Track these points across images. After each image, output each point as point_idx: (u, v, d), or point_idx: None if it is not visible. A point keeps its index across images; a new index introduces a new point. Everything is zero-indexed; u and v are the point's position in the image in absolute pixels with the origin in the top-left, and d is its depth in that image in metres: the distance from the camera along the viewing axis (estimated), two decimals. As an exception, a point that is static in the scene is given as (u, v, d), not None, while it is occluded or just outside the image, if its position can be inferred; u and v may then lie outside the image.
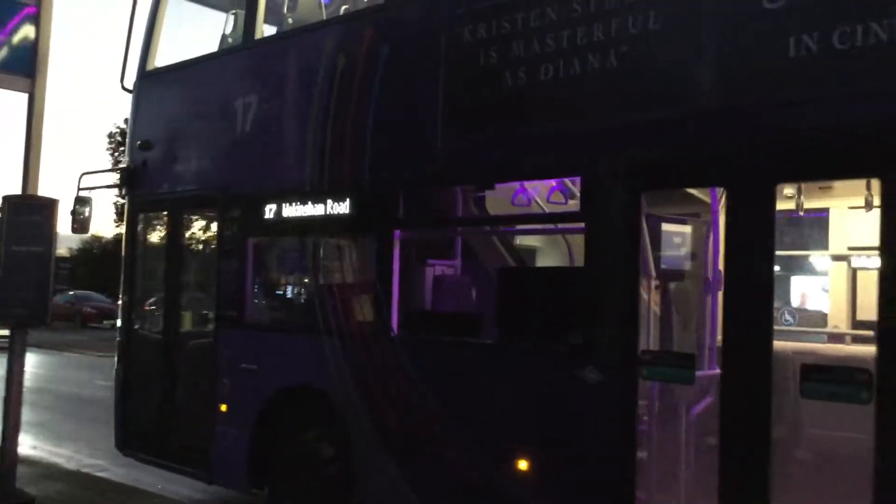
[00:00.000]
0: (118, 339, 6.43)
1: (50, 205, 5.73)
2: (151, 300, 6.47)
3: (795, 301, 6.33)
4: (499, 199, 4.91)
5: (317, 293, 5.13)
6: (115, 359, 6.45)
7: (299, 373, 5.02)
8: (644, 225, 3.81)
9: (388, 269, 4.53)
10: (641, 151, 3.62)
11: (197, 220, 7.35)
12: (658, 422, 3.86)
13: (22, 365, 5.71)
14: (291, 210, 5.14)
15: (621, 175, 3.63)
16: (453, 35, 4.31)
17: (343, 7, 5.55)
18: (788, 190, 4.45)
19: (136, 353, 6.26)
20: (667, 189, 3.90)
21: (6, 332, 5.82)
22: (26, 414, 6.30)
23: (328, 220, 4.91)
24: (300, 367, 5.02)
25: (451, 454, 4.19)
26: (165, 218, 6.27)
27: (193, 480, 5.80)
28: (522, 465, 3.91)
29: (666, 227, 4.52)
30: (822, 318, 5.27)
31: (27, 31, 5.75)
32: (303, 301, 5.54)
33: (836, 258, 5.00)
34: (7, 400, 5.61)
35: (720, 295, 3.53)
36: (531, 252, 5.63)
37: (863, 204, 4.16)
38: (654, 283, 4.17)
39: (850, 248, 4.79)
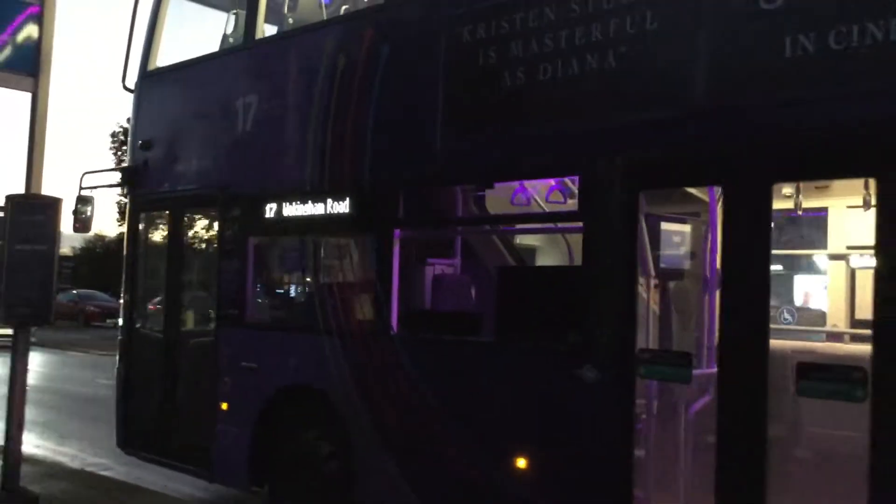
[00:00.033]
0: (119, 337, 6.46)
1: (54, 204, 5.74)
2: (157, 299, 6.49)
3: (794, 300, 6.33)
4: (498, 198, 4.92)
5: (317, 292, 5.15)
6: (117, 357, 6.48)
7: (299, 372, 5.04)
8: (643, 224, 3.83)
9: (387, 269, 4.54)
10: (639, 151, 3.63)
11: (198, 219, 7.38)
12: (657, 420, 3.87)
13: (25, 364, 5.71)
14: (292, 209, 5.16)
15: (619, 174, 3.64)
16: (453, 35, 4.32)
17: (343, 7, 5.57)
18: (787, 189, 4.47)
19: (137, 352, 6.28)
20: (664, 188, 3.91)
21: (9, 331, 5.84)
22: (30, 412, 6.31)
23: (328, 219, 4.93)
24: (300, 366, 5.04)
25: (451, 453, 4.20)
26: (166, 217, 6.30)
27: (196, 479, 5.81)
28: (521, 463, 3.92)
29: (665, 226, 4.54)
30: (820, 317, 5.28)
31: (30, 30, 5.76)
32: (303, 300, 5.56)
33: (835, 257, 5.00)
34: (11, 398, 5.61)
35: (718, 294, 3.54)
36: (531, 251, 5.65)
37: (861, 203, 4.17)
38: (653, 282, 4.19)
39: (849, 248, 4.79)
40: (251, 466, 5.19)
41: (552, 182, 4.88)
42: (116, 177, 6.53)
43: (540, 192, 5.02)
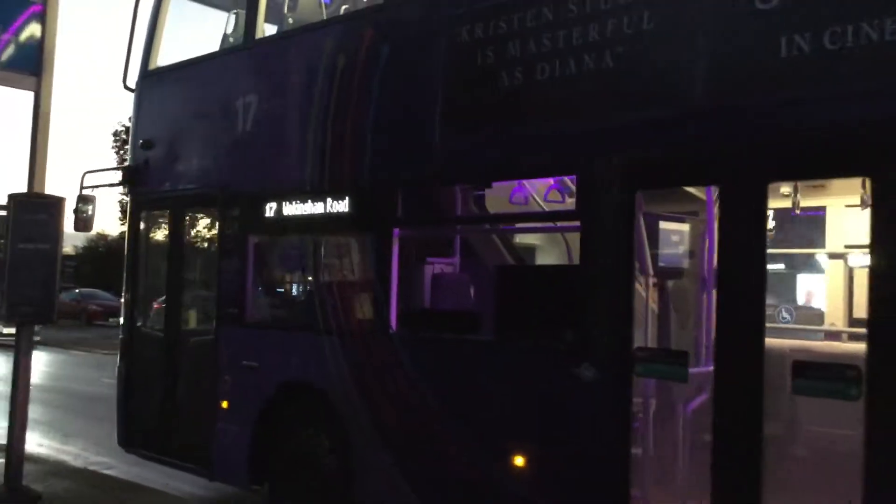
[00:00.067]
0: (121, 336, 6.48)
1: (57, 203, 5.76)
2: (161, 299, 6.51)
3: (792, 299, 6.35)
4: (497, 197, 4.94)
5: (316, 291, 5.16)
6: (118, 356, 6.50)
7: (299, 371, 5.06)
8: (641, 223, 3.84)
9: (386, 267, 4.56)
10: (636, 151, 3.64)
11: (198, 218, 7.40)
12: (655, 419, 3.88)
13: (29, 362, 5.73)
14: (292, 209, 5.18)
15: (616, 174, 3.65)
16: (452, 35, 4.33)
17: (343, 7, 5.59)
18: (785, 188, 4.48)
19: (138, 351, 6.30)
20: (661, 188, 3.92)
21: (12, 330, 5.86)
22: (33, 411, 6.33)
23: (328, 218, 4.95)
24: (300, 365, 5.06)
25: (449, 451, 4.22)
26: (167, 216, 6.32)
27: (198, 478, 5.81)
28: (519, 461, 3.94)
29: (664, 225, 4.55)
30: (818, 316, 5.29)
31: (33, 29, 5.77)
32: (303, 299, 5.58)
33: (833, 256, 5.01)
34: (14, 397, 5.63)
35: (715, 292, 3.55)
36: (530, 250, 5.66)
37: (859, 202, 4.18)
38: (651, 281, 4.20)
39: (847, 246, 4.80)
40: (251, 465, 5.21)
41: (551, 181, 4.90)
42: (117, 176, 6.55)
43: (539, 190, 5.03)
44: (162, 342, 6.05)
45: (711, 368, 3.60)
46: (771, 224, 5.53)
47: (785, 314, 5.32)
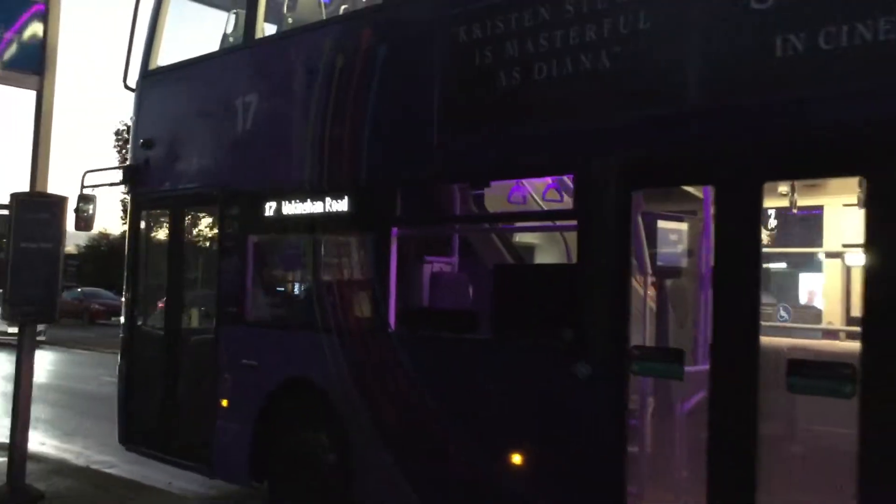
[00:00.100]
0: (121, 335, 6.50)
1: (59, 202, 5.77)
2: (164, 298, 6.53)
3: (794, 297, 6.36)
4: (495, 196, 4.95)
5: (315, 290, 5.18)
6: (119, 355, 6.53)
7: (298, 369, 5.07)
8: (640, 223, 3.86)
9: (385, 266, 4.58)
10: (632, 150, 3.66)
11: (198, 217, 7.42)
12: (652, 417, 3.90)
13: (31, 361, 5.73)
14: (291, 208, 5.20)
15: (612, 174, 3.67)
16: (449, 35, 4.35)
17: (342, 7, 5.60)
18: (783, 188, 4.49)
19: (138, 349, 6.32)
20: (657, 187, 3.94)
21: (16, 329, 5.87)
22: (35, 410, 6.34)
23: (327, 217, 4.96)
24: (299, 364, 5.08)
25: (447, 449, 4.23)
26: (167, 216, 6.34)
27: (201, 477, 5.81)
28: (517, 459, 3.96)
29: (662, 224, 4.57)
30: (816, 315, 5.30)
31: (36, 28, 5.78)
32: (302, 298, 5.60)
33: (831, 255, 5.02)
34: (16, 396, 5.64)
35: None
36: (529, 249, 5.68)
37: (856, 201, 4.19)
38: (650, 279, 4.22)
39: (845, 245, 4.81)
40: (251, 463, 5.23)
41: (549, 180, 4.91)
42: (118, 175, 6.56)
43: (537, 189, 5.05)
44: (162, 341, 6.08)
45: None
46: (773, 223, 5.58)
47: (783, 313, 5.33)
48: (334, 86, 4.93)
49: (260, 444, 5.19)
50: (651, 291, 4.29)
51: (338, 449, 4.80)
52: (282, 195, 5.22)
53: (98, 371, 13.93)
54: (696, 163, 3.51)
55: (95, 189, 6.31)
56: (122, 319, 6.60)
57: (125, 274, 6.47)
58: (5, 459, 5.71)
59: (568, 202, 4.75)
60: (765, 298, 4.81)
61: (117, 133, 31.77)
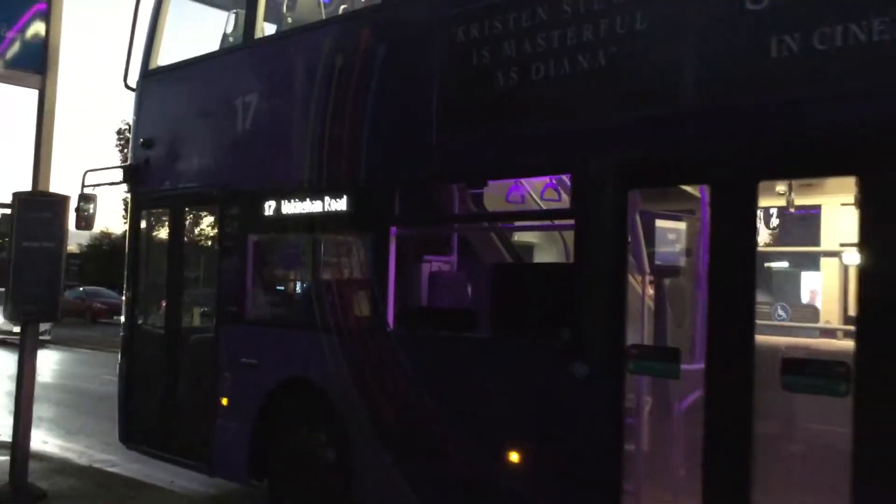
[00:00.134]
0: (122, 334, 6.53)
1: (61, 201, 5.79)
2: (163, 298, 6.54)
3: (796, 296, 6.36)
4: (493, 195, 4.97)
5: (315, 289, 5.20)
6: (119, 354, 6.55)
7: (298, 368, 5.09)
8: (638, 222, 3.87)
9: (384, 266, 4.59)
10: (628, 150, 3.67)
11: (198, 217, 7.43)
12: (649, 415, 3.92)
13: (34, 361, 5.75)
14: (290, 207, 5.21)
15: (609, 174, 3.69)
16: (448, 35, 4.36)
17: (342, 7, 5.62)
18: (780, 187, 4.50)
19: (139, 348, 6.34)
20: (653, 187, 3.95)
21: (17, 329, 5.89)
22: (38, 409, 6.35)
23: (326, 217, 4.98)
24: (299, 363, 5.09)
25: (445, 448, 4.25)
26: (168, 215, 6.36)
27: (206, 476, 5.81)
28: (514, 458, 3.97)
29: (660, 223, 4.58)
30: (814, 314, 5.31)
31: (38, 27, 5.79)
32: (301, 297, 5.62)
33: (828, 254, 5.03)
34: (19, 395, 5.65)
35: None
36: (528, 248, 5.69)
37: (854, 201, 4.19)
38: (648, 279, 4.23)
39: (842, 245, 4.82)
40: (251, 461, 5.24)
41: (547, 179, 4.92)
42: (118, 175, 6.58)
43: (535, 188, 5.06)
44: (162, 340, 6.10)
45: None
46: (776, 222, 5.59)
47: (780, 311, 5.34)
48: (333, 86, 4.94)
49: (260, 443, 5.20)
50: (649, 290, 4.30)
51: (337, 448, 4.81)
52: (281, 195, 5.23)
53: (100, 370, 13.95)
54: (692, 162, 3.52)
55: (96, 188, 6.34)
56: (123, 318, 6.62)
57: (125, 273, 6.49)
58: (8, 458, 5.73)
59: (566, 201, 4.77)
60: (762, 297, 4.83)
61: (119, 132, 31.83)
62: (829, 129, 3.11)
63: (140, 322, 6.43)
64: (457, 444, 4.20)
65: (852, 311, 4.78)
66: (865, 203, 3.02)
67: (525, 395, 3.95)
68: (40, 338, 6.92)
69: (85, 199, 6.24)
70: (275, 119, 5.42)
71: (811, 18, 3.11)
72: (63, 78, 5.94)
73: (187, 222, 6.55)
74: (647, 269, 4.20)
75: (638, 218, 3.90)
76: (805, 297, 6.35)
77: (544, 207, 5.10)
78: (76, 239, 31.62)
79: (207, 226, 7.33)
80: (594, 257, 3.74)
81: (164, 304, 6.24)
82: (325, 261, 5.32)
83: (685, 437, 3.88)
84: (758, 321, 3.32)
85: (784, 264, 6.24)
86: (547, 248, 5.62)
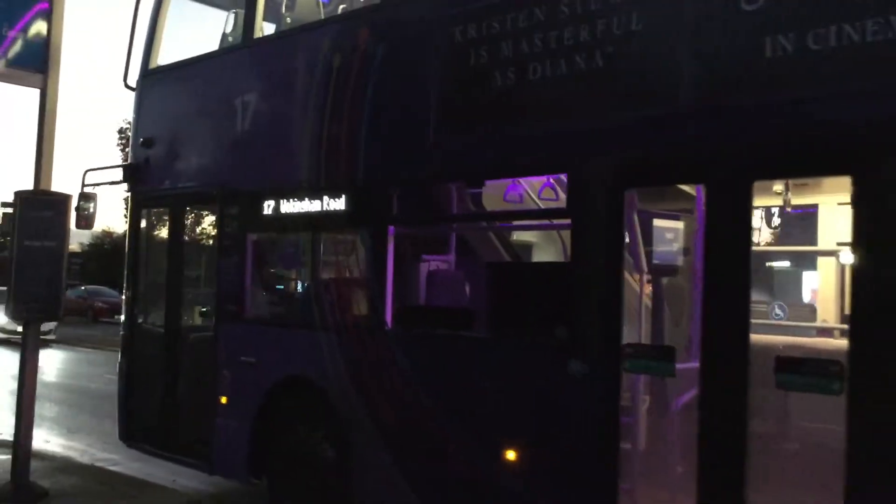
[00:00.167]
0: (122, 332, 6.55)
1: (63, 200, 5.80)
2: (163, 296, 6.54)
3: (797, 296, 6.37)
4: (491, 194, 4.98)
5: (313, 288, 5.21)
6: (119, 352, 6.57)
7: (297, 367, 5.10)
8: (635, 221, 3.89)
9: (382, 265, 4.61)
10: (624, 150, 3.69)
11: (198, 216, 7.46)
12: (645, 414, 3.93)
13: (35, 359, 5.75)
14: (289, 207, 5.22)
15: (604, 173, 3.70)
16: (446, 35, 4.37)
17: (341, 6, 5.63)
18: (777, 186, 4.51)
19: (139, 347, 6.36)
20: (649, 187, 3.96)
21: (19, 328, 5.90)
22: (39, 408, 6.37)
23: (325, 216, 4.99)
24: (298, 362, 5.11)
25: (445, 448, 4.26)
26: (167, 214, 6.38)
27: (208, 476, 5.81)
28: (511, 456, 3.98)
29: (658, 222, 4.59)
30: (811, 313, 5.32)
31: (39, 26, 5.80)
32: (300, 296, 5.64)
33: (825, 253, 5.04)
34: (20, 394, 5.66)
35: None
36: (527, 247, 5.70)
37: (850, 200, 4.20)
38: (645, 277, 4.24)
39: (839, 244, 4.83)
40: (250, 460, 5.26)
41: (545, 178, 4.93)
42: (118, 174, 6.61)
43: (533, 187, 5.08)
44: (162, 338, 6.11)
45: None
46: (777, 221, 5.60)
47: (778, 311, 5.35)
48: (332, 85, 4.96)
49: (259, 442, 5.22)
50: (647, 289, 4.31)
51: (336, 446, 4.83)
52: (280, 194, 5.25)
53: (102, 369, 13.95)
54: (687, 162, 3.53)
55: (96, 187, 6.36)
56: (123, 317, 6.64)
57: (125, 272, 6.51)
58: (10, 457, 5.74)
59: (563, 200, 4.77)
60: (758, 296, 4.84)
61: (121, 132, 31.86)
62: (823, 128, 3.12)
63: (140, 321, 6.45)
64: (454, 443, 4.22)
65: (849, 311, 4.80)
66: (859, 203, 3.03)
67: (522, 393, 3.97)
68: (45, 337, 6.94)
69: (85, 198, 6.26)
70: (274, 119, 5.43)
71: (805, 19, 3.12)
72: (64, 78, 5.95)
73: (187, 221, 6.57)
74: (645, 268, 4.22)
75: (635, 217, 3.91)
76: (806, 297, 6.36)
77: (542, 207, 5.12)
78: (78, 238, 31.68)
79: (207, 225, 7.35)
80: (591, 256, 3.76)
81: (163, 302, 6.26)
82: (323, 260, 5.34)
83: (682, 435, 3.89)
84: (755, 320, 3.34)
85: (785, 263, 6.25)
86: (545, 248, 5.63)
